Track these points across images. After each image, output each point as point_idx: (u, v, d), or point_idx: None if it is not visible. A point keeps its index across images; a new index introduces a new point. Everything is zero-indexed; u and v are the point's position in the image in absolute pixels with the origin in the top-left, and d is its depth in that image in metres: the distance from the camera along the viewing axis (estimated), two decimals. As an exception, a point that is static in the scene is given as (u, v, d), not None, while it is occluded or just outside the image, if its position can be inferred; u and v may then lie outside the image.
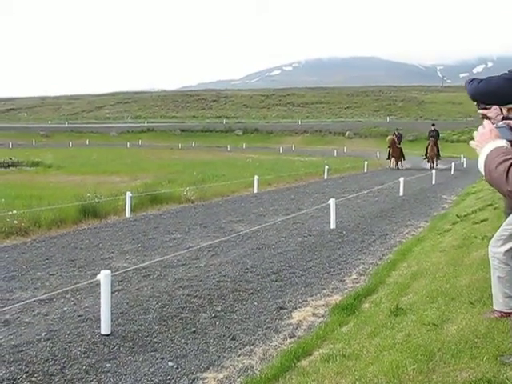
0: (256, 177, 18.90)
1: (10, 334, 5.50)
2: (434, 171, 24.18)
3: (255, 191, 18.49)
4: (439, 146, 32.29)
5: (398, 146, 31.74)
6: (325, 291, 7.14)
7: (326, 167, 25.32)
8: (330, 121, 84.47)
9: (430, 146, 31.51)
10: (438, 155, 31.96)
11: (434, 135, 31.71)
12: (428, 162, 31.63)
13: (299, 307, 6.46)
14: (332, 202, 11.82)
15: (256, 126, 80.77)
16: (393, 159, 32.16)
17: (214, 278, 7.61)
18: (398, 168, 31.36)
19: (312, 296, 6.92)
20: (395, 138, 31.50)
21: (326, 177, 24.69)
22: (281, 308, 6.41)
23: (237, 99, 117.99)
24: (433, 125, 33.08)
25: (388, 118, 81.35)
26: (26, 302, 6.20)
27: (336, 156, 41.72)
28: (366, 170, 29.29)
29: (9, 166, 29.90)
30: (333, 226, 11.65)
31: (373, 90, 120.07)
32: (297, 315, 6.17)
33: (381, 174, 27.39)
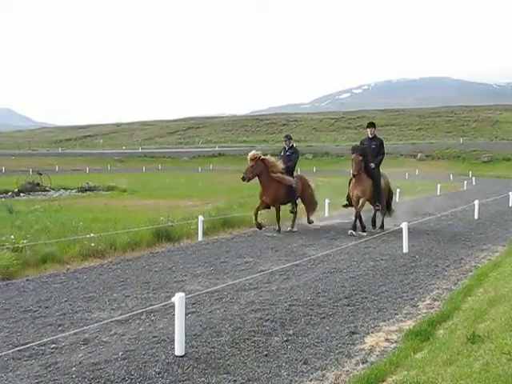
0: (327, 200, 18.79)
1: (89, 353, 5.70)
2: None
3: (326, 215, 18.37)
4: (385, 183, 15.04)
5: (280, 174, 14.51)
6: (398, 316, 7.04)
7: (398, 190, 24.96)
8: (400, 143, 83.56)
9: (352, 181, 14.48)
10: (376, 199, 14.51)
11: (364, 152, 14.16)
12: (356, 215, 14.23)
13: (371, 332, 6.39)
14: (404, 225, 11.65)
15: (326, 150, 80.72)
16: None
17: (285, 302, 7.62)
18: (269, 230, 14.77)
19: (385, 321, 6.83)
20: (266, 161, 14.46)
21: (397, 200, 24.31)
22: (353, 333, 6.36)
23: (306, 123, 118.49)
24: (370, 125, 15.37)
25: (461, 139, 79.67)
26: (103, 322, 6.42)
27: (407, 179, 41.01)
28: (438, 193, 28.68)
29: (86, 190, 31.09)
30: (405, 249, 11.47)
31: (445, 110, 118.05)
32: (369, 340, 6.11)
33: (454, 197, 26.78)
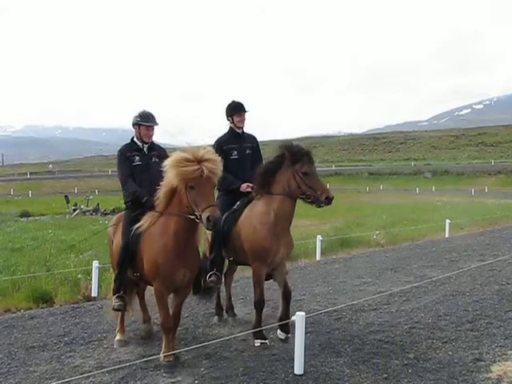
0: (447, 220, 18.29)
1: (211, 367, 5.87)
2: None
3: (447, 235, 17.89)
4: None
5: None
6: (527, 345, 6.67)
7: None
8: (527, 161, 79.52)
9: (263, 223, 6.58)
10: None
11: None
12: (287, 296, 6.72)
13: (498, 360, 6.08)
14: (533, 248, 11.09)
15: (446, 168, 78.56)
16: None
17: (405, 324, 7.48)
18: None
19: (513, 349, 6.50)
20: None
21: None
22: (477, 360, 6.09)
23: (425, 141, 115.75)
24: (237, 109, 7.31)
25: None
26: (223, 338, 6.58)
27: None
28: None
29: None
30: (534, 274, 10.90)
31: None
32: (496, 369, 5.81)
33: None
